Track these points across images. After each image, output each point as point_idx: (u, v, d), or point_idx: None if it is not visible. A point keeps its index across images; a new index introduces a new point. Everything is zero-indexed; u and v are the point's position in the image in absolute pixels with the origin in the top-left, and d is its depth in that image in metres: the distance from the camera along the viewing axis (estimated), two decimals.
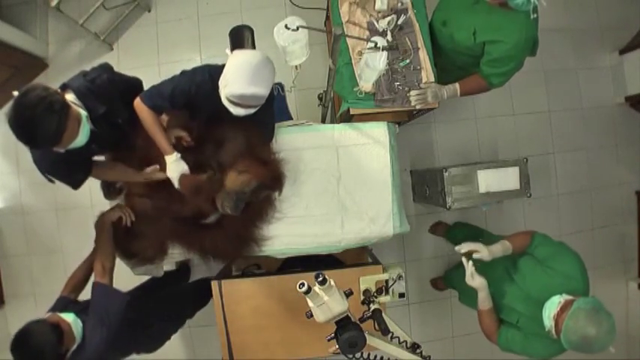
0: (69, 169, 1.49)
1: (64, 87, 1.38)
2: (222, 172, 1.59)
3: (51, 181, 1.50)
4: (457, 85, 1.85)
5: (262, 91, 1.34)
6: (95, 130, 1.40)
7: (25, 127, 1.21)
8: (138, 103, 1.46)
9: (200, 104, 1.51)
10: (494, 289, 1.65)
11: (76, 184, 1.56)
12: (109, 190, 1.84)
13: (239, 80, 1.31)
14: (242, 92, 1.32)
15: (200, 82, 1.44)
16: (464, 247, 1.60)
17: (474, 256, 1.58)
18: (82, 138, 1.33)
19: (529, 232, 1.66)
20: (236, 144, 1.62)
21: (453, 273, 2.45)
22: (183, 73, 1.48)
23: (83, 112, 1.34)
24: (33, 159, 1.43)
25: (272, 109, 1.66)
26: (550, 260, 1.53)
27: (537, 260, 1.58)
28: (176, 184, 1.53)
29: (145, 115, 1.47)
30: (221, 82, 1.38)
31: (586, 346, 1.27)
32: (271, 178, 1.64)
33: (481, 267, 1.60)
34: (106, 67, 1.49)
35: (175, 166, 1.52)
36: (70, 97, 1.35)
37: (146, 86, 1.68)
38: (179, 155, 1.52)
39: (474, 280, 1.57)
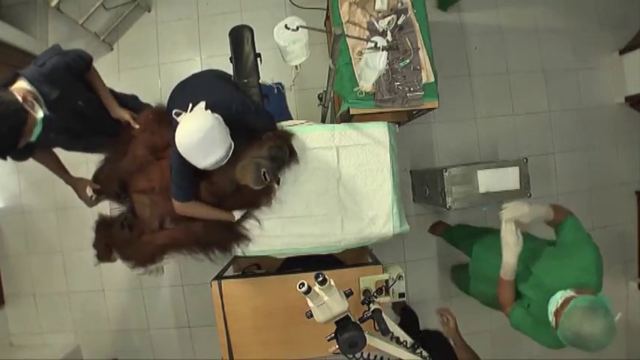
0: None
1: (16, 75, 1.39)
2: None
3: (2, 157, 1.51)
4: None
5: (219, 154, 1.41)
6: (52, 116, 1.40)
7: None
8: (176, 206, 1.57)
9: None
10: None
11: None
12: None
13: (196, 160, 1.41)
14: (205, 166, 1.43)
15: (183, 165, 1.47)
16: (507, 213, 1.62)
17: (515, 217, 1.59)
18: (34, 137, 1.37)
19: (567, 210, 1.64)
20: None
21: (461, 272, 2.40)
22: (169, 163, 1.53)
23: (39, 115, 1.35)
24: None
25: (261, 114, 1.68)
26: (570, 248, 1.53)
27: (557, 246, 1.59)
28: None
29: (190, 211, 1.59)
30: None
31: (581, 343, 1.28)
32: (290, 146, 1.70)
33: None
34: (57, 49, 1.49)
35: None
36: (23, 84, 1.36)
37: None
38: (235, 213, 1.71)
39: (518, 237, 1.57)
